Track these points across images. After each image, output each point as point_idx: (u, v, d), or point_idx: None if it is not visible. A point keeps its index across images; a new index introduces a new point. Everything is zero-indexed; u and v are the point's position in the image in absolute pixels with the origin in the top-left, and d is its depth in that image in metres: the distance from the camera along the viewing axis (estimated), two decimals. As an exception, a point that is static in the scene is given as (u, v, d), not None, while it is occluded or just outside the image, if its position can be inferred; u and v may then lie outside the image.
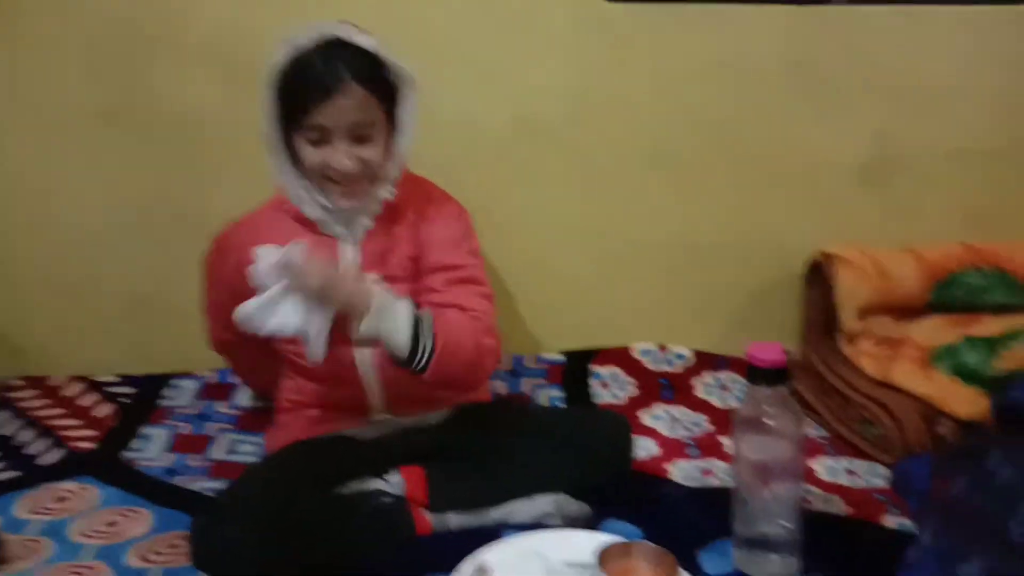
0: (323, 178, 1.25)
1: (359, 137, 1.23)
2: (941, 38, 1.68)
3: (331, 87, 1.19)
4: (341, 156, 1.22)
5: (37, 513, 1.31)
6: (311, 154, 1.23)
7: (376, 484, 1.28)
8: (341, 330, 1.31)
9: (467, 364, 1.23)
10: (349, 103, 1.20)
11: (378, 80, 1.22)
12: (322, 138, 1.22)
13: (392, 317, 1.18)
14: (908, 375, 1.53)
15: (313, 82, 1.20)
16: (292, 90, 1.22)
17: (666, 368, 1.74)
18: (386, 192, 1.28)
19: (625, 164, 1.70)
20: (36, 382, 1.68)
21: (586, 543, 1.16)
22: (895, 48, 1.68)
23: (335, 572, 1.16)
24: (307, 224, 1.30)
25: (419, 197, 1.34)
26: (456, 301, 1.27)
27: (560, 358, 1.75)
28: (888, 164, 1.72)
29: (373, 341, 1.19)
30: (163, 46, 1.60)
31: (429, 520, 1.24)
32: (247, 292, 1.33)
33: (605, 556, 1.11)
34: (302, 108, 1.21)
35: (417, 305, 1.22)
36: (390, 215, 1.31)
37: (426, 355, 1.18)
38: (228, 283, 1.35)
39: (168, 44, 1.60)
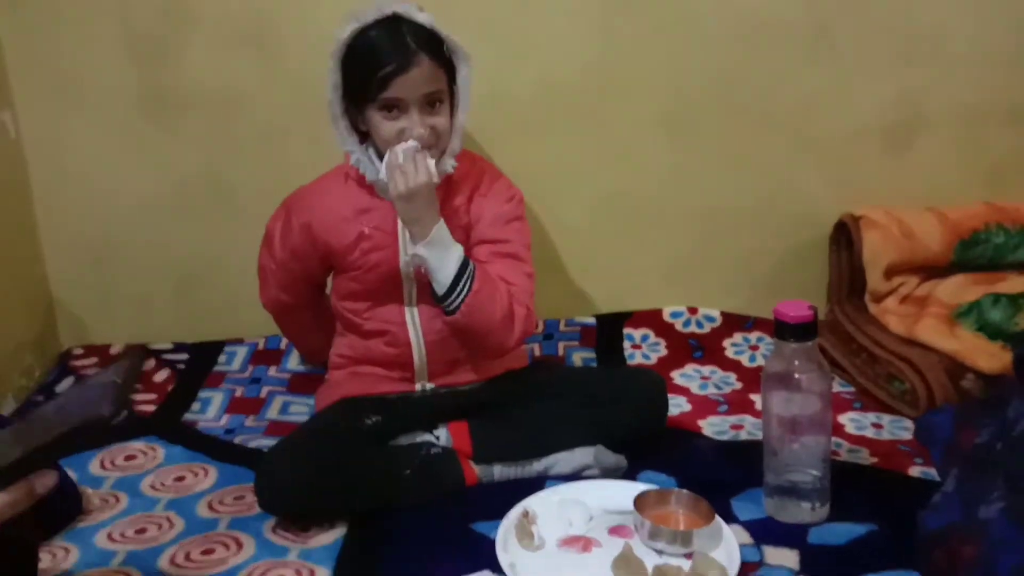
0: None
1: (430, 107, 1.29)
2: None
3: (406, 61, 1.25)
4: (416, 125, 1.27)
5: (110, 470, 1.40)
6: (386, 127, 1.28)
7: (424, 437, 1.35)
8: (396, 290, 1.38)
9: (496, 321, 1.29)
10: (422, 74, 1.26)
11: (440, 54, 1.28)
12: (398, 110, 1.28)
13: (443, 253, 1.26)
14: (933, 332, 1.55)
15: (387, 57, 1.25)
16: (365, 65, 1.27)
17: (696, 330, 1.79)
18: (448, 165, 1.33)
19: (650, 131, 1.72)
20: (96, 350, 1.75)
21: (624, 491, 1.22)
22: (917, 9, 1.69)
23: (388, 519, 1.23)
24: (370, 189, 1.36)
25: (476, 172, 1.39)
26: (498, 274, 1.33)
27: (592, 321, 1.79)
28: (911, 126, 1.74)
29: (422, 264, 1.28)
30: (200, 26, 1.64)
31: (475, 471, 1.31)
32: (308, 254, 1.40)
33: (643, 502, 1.17)
34: (379, 83, 1.26)
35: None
36: (448, 188, 1.36)
37: (461, 297, 1.26)
38: (291, 243, 1.41)
39: (205, 24, 1.64)
